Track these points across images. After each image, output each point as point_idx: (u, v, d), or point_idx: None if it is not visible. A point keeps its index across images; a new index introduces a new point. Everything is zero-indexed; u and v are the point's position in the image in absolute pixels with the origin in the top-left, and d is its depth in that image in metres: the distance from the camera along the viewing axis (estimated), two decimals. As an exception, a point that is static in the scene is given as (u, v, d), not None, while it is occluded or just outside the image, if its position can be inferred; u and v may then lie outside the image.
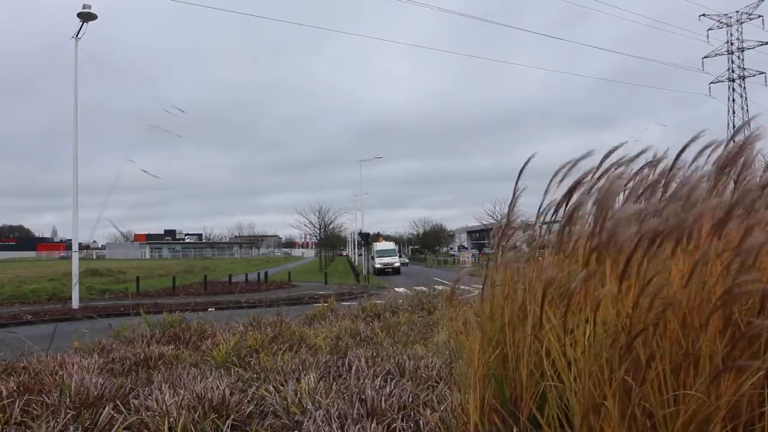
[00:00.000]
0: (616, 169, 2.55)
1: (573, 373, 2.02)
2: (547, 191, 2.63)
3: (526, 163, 2.71)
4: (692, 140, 2.46)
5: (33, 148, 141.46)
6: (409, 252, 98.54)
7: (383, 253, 47.38)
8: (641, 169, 2.61)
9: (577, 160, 2.53)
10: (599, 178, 2.55)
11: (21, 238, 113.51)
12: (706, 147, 2.49)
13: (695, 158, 2.48)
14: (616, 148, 2.58)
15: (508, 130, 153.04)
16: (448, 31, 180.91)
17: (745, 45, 53.17)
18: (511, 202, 2.74)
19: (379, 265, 45.66)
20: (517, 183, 2.72)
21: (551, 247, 2.42)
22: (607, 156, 2.57)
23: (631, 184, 2.55)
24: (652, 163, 2.58)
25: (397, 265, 46.11)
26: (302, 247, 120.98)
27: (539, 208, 2.71)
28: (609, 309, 1.97)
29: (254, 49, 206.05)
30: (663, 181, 2.40)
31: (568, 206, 2.43)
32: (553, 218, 2.66)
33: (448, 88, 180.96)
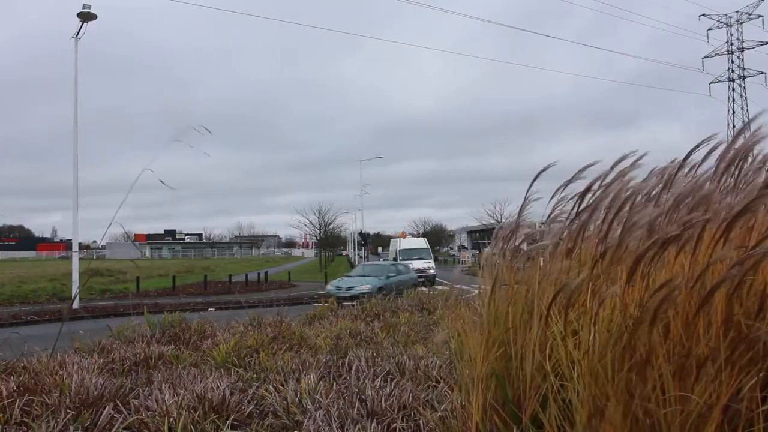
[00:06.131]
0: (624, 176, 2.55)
1: (576, 373, 2.01)
2: (554, 195, 2.63)
3: (542, 170, 2.70)
4: (697, 146, 2.46)
5: (40, 148, 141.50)
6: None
7: (410, 254, 31.05)
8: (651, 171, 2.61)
9: (585, 168, 2.54)
10: (609, 184, 2.55)
11: (21, 238, 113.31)
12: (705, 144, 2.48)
13: (702, 160, 2.48)
14: (625, 157, 2.58)
15: (518, 131, 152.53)
16: (461, 36, 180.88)
17: (745, 45, 53.21)
18: (522, 205, 2.74)
19: None
20: (529, 188, 2.71)
21: (560, 248, 2.41)
22: (618, 162, 2.57)
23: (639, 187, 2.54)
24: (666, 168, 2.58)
25: (432, 272, 29.15)
26: (302, 247, 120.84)
27: (550, 211, 2.71)
28: (613, 308, 1.97)
29: (270, 50, 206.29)
30: (669, 183, 2.39)
31: (579, 209, 2.43)
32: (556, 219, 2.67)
33: (463, 88, 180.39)
